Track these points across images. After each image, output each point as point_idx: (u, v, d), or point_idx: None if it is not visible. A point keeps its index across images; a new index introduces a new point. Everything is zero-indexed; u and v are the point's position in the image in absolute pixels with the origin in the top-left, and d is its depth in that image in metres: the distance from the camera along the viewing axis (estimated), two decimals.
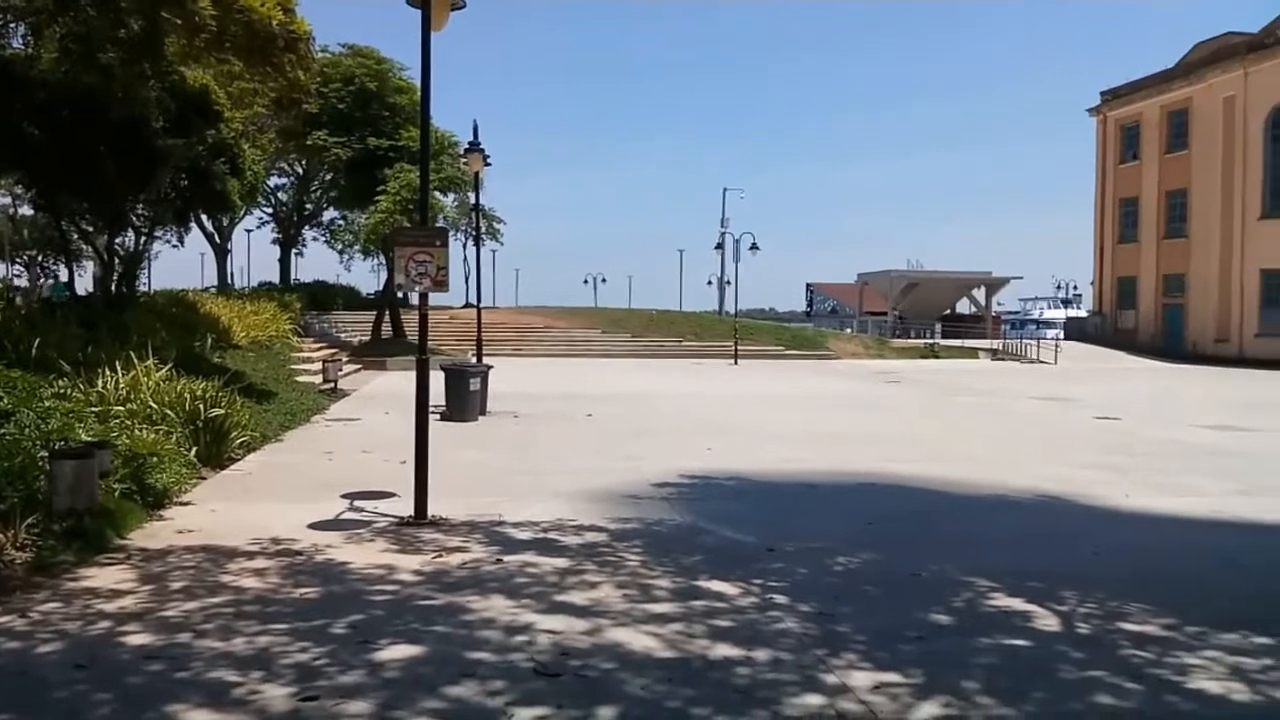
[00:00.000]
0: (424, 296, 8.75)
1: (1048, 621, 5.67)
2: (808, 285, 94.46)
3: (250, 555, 6.96)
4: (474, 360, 19.93)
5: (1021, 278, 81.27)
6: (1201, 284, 44.82)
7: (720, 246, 54.67)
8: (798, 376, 30.15)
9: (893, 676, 4.70)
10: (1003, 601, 6.05)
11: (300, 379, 20.75)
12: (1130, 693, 4.54)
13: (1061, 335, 50.13)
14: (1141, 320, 48.89)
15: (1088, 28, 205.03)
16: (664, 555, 7.10)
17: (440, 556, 7.01)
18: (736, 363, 36.69)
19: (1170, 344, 45.58)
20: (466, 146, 21.64)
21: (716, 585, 6.29)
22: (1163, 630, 5.48)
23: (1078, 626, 5.59)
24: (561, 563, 6.84)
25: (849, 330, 55.80)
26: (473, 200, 25.89)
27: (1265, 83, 41.68)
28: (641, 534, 7.88)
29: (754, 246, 44.68)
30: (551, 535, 7.74)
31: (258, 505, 8.92)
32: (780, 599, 6.03)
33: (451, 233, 23.88)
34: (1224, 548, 7.88)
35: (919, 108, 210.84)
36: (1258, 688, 4.62)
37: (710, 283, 74.06)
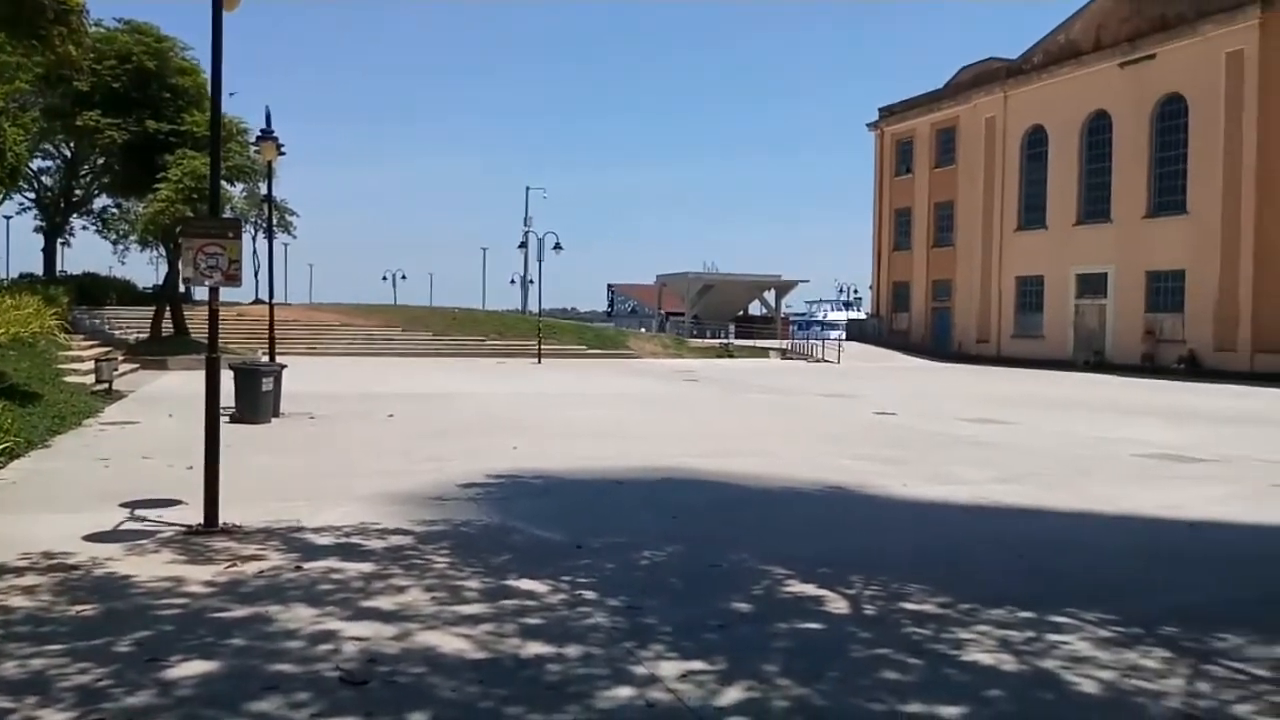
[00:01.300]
0: (215, 291, 8.32)
1: (838, 605, 6.04)
2: (609, 286, 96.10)
3: (18, 572, 6.39)
4: (266, 359, 19.03)
5: (808, 281, 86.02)
6: (966, 289, 48.75)
7: (524, 245, 54.61)
8: (600, 375, 30.55)
9: (698, 664, 4.88)
10: (797, 588, 6.40)
11: (70, 379, 19.16)
12: (913, 668, 4.92)
13: (844, 336, 53.23)
14: (914, 322, 52.66)
15: (874, 43, 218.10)
16: (472, 556, 7.06)
17: (234, 566, 6.68)
18: (540, 362, 36.75)
19: (939, 344, 49.35)
20: (259, 134, 20.66)
21: (526, 584, 6.32)
22: (939, 608, 5.95)
23: (864, 608, 5.99)
24: (366, 567, 6.67)
25: (647, 330, 56.97)
26: (263, 191, 24.75)
27: (1022, 105, 45.76)
28: (449, 535, 7.79)
29: (557, 246, 45.08)
30: (355, 540, 7.53)
31: (24, 517, 8.19)
32: (589, 595, 6.13)
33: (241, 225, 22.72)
34: (988, 530, 8.64)
35: (713, 113, 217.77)
36: (1024, 658, 5.10)
37: (514, 281, 74.19)
